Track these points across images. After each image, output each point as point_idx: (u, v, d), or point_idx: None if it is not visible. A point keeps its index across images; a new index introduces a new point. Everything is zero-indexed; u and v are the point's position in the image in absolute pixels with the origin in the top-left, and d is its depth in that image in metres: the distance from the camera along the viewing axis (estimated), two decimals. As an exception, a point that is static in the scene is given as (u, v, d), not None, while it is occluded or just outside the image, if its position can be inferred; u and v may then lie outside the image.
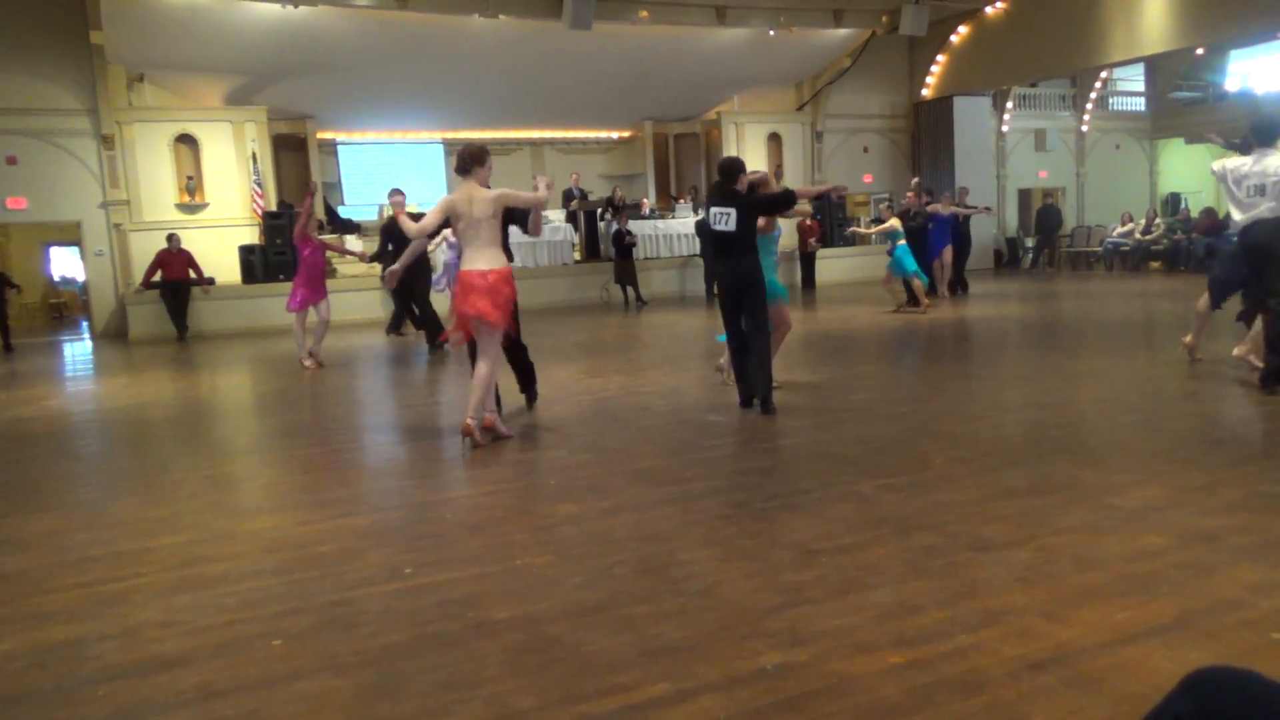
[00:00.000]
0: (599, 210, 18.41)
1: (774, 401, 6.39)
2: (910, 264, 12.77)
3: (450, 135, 20.42)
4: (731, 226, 6.32)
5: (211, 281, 15.41)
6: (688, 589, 3.28)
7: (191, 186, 16.57)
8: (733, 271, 6.42)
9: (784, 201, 6.63)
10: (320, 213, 16.98)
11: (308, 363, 9.91)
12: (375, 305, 15.92)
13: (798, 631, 2.87)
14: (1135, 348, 8.99)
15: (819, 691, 2.50)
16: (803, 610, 3.03)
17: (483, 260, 5.56)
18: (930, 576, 3.27)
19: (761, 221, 6.60)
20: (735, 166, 6.44)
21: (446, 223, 5.83)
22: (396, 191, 10.14)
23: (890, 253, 12.90)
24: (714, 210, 6.41)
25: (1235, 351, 6.99)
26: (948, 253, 14.90)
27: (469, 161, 5.64)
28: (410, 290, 11.51)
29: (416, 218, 6.39)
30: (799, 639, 2.82)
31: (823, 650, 2.73)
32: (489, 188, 5.74)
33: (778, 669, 2.64)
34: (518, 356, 6.89)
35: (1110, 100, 24.44)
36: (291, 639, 3.02)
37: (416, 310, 11.82)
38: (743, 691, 2.52)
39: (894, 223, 13.17)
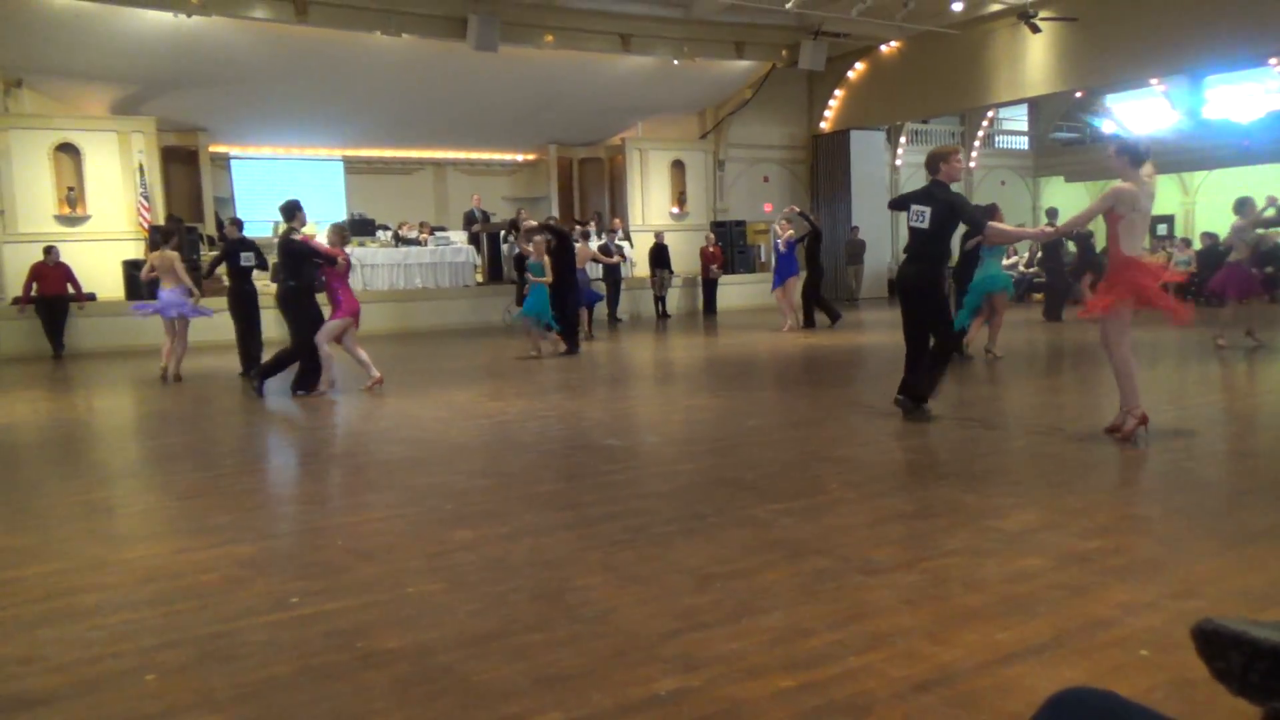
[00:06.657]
0: (502, 233, 18.32)
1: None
2: (534, 306, 11.36)
3: (350, 153, 20.09)
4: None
5: (91, 297, 14.73)
6: (583, 615, 3.25)
7: (73, 198, 15.85)
8: None
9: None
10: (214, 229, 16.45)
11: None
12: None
13: (691, 657, 2.88)
14: (1015, 376, 9.36)
15: (711, 716, 2.51)
16: (697, 635, 3.04)
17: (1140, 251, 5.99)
18: (821, 600, 3.32)
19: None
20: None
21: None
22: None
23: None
24: None
25: None
26: (793, 284, 14.30)
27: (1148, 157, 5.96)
28: (250, 323, 10.81)
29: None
30: (692, 664, 2.82)
31: (716, 675, 2.74)
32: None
33: (671, 695, 2.64)
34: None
35: (996, 138, 25.64)
36: (166, 674, 2.88)
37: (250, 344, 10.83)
38: (636, 718, 2.51)
39: (545, 261, 11.41)
